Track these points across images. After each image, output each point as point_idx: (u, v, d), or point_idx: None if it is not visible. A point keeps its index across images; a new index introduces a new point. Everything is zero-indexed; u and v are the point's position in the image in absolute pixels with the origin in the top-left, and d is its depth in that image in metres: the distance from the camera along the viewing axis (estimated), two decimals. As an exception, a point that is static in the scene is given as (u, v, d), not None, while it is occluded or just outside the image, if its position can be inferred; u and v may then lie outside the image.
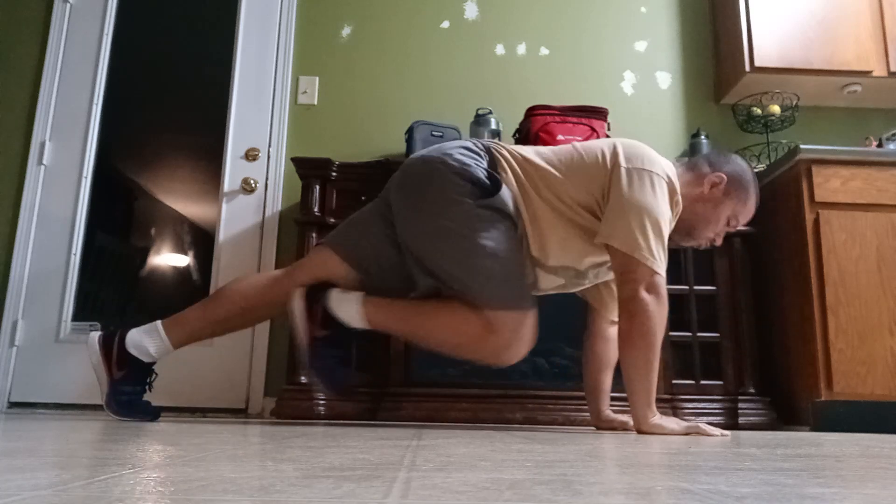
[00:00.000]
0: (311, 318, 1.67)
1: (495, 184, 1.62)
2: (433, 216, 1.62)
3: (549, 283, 1.76)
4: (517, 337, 1.56)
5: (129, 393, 1.73)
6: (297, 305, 1.69)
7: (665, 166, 1.67)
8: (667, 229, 1.62)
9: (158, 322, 1.76)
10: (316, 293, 1.69)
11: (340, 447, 0.93)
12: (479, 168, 1.63)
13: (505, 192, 1.62)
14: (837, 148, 2.38)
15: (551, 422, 2.26)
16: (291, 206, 2.87)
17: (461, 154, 1.66)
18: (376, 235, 1.74)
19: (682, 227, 1.75)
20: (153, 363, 1.77)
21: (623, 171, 1.62)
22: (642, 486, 0.55)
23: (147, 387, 1.79)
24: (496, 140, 1.76)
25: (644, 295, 1.56)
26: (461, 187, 1.60)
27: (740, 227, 2.46)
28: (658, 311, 1.56)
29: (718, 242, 1.80)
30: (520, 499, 0.47)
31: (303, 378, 2.32)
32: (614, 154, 1.65)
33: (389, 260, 1.73)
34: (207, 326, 1.77)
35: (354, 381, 1.77)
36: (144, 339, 1.73)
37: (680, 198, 1.69)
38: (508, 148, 1.73)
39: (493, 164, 1.67)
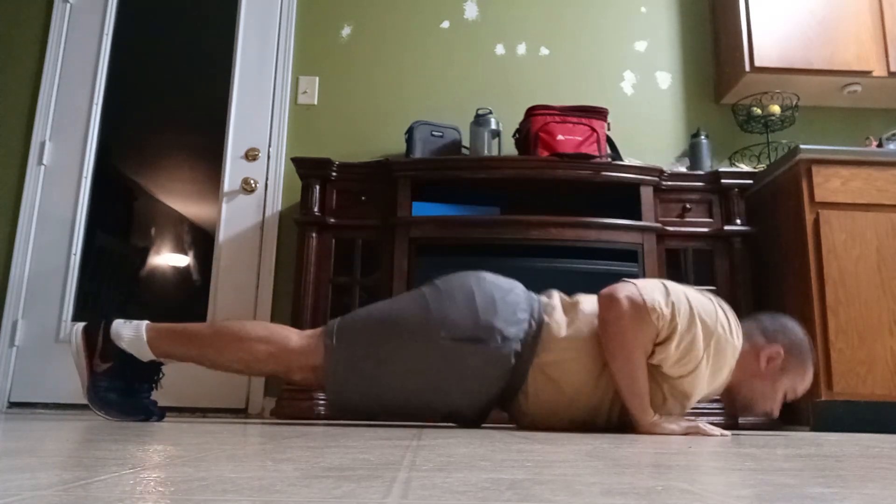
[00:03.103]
0: (91, 350, 1.66)
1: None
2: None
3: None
4: (312, 360, 1.64)
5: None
6: (77, 340, 1.68)
7: (735, 328, 1.59)
8: (679, 309, 1.53)
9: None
10: (96, 325, 1.69)
11: (340, 447, 0.93)
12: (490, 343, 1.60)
13: (493, 358, 1.59)
14: (837, 148, 2.38)
15: (551, 422, 2.25)
16: (291, 206, 2.87)
17: (500, 314, 1.62)
18: None
19: (741, 402, 1.69)
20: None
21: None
22: (642, 486, 0.55)
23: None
24: (565, 303, 1.70)
25: (620, 302, 1.52)
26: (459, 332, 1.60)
27: (741, 227, 2.47)
28: (632, 321, 1.51)
29: (776, 415, 1.71)
30: (520, 499, 0.47)
31: (303, 378, 2.32)
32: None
33: None
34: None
35: (146, 409, 1.71)
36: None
37: (729, 353, 1.59)
38: (566, 320, 1.65)
39: (536, 336, 1.62)
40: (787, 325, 1.68)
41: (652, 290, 1.55)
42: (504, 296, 1.65)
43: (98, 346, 1.68)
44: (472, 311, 1.62)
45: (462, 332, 1.60)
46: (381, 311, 1.69)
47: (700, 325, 1.53)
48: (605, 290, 1.58)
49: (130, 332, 1.68)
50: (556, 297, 1.73)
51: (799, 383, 1.65)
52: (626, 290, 1.55)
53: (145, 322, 1.72)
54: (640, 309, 1.51)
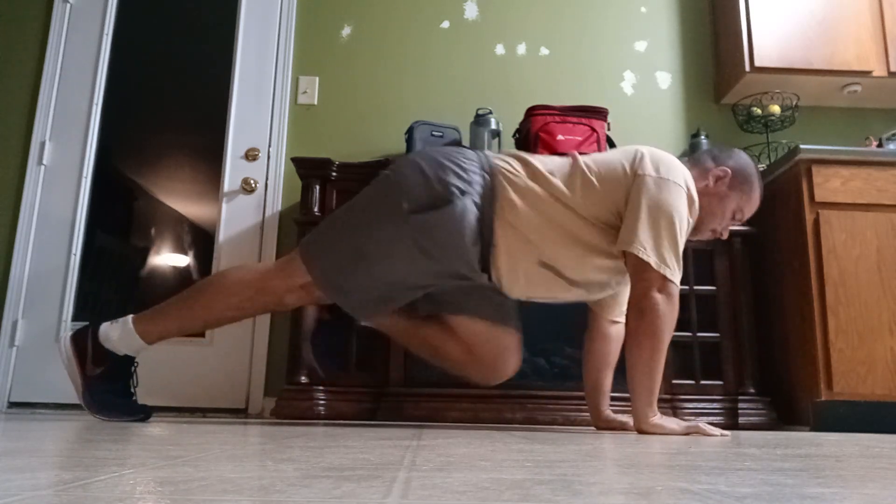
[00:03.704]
0: (82, 356, 1.67)
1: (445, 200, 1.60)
2: (365, 195, 1.69)
3: (568, 295, 1.75)
4: (297, 279, 1.66)
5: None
6: (66, 349, 1.68)
7: (685, 175, 1.67)
8: (682, 237, 1.62)
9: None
10: (83, 332, 1.70)
11: (340, 447, 0.93)
12: (444, 187, 1.61)
13: (459, 214, 1.59)
14: (837, 148, 2.37)
15: (551, 422, 2.26)
16: (291, 206, 2.87)
17: (449, 170, 1.63)
18: None
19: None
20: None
21: (645, 179, 1.62)
22: (642, 486, 0.55)
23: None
24: (512, 153, 1.74)
25: (655, 295, 1.57)
26: (404, 195, 1.61)
27: (741, 227, 2.47)
28: (668, 312, 1.58)
29: (724, 236, 1.82)
30: (520, 499, 0.47)
31: (303, 378, 2.32)
32: (636, 163, 1.65)
33: None
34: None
35: (141, 409, 1.72)
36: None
37: (697, 205, 1.68)
38: (518, 167, 1.68)
39: (492, 187, 1.64)
40: (734, 151, 1.82)
41: (661, 254, 1.57)
42: (448, 155, 1.68)
43: (88, 351, 1.68)
44: (423, 177, 1.63)
45: (422, 199, 1.60)
46: (343, 211, 1.71)
47: (688, 213, 1.63)
48: (639, 288, 1.59)
49: (118, 330, 1.69)
50: (504, 153, 1.77)
51: (745, 203, 1.77)
52: (656, 281, 1.57)
53: (130, 316, 1.72)
54: (673, 296, 1.59)
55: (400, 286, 1.67)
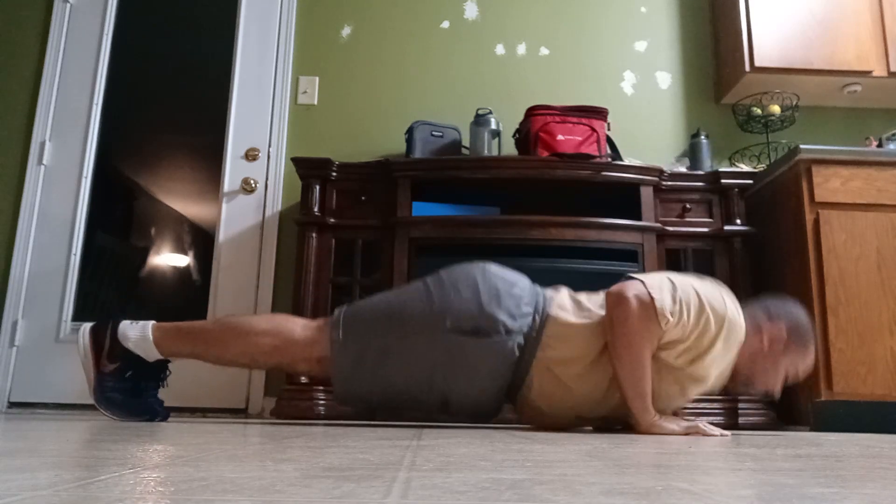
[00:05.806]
0: (98, 350, 1.68)
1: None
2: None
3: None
4: (316, 352, 1.65)
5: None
6: (84, 340, 1.69)
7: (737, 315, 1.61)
8: (689, 300, 1.55)
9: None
10: (104, 325, 1.70)
11: (340, 447, 0.93)
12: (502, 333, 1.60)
13: (497, 351, 1.59)
14: (837, 148, 2.37)
15: (551, 422, 2.25)
16: (291, 206, 2.87)
17: (503, 304, 1.62)
18: None
19: (742, 378, 1.71)
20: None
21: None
22: (642, 486, 0.55)
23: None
24: (571, 296, 1.72)
25: (629, 301, 1.53)
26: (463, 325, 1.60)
27: (741, 227, 2.47)
28: (640, 321, 1.52)
29: (777, 396, 1.74)
30: (520, 499, 0.47)
31: (303, 378, 2.32)
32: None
33: None
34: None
35: (152, 409, 1.73)
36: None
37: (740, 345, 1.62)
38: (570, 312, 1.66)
39: (539, 330, 1.62)
40: (790, 305, 1.70)
41: (660, 288, 1.55)
42: (509, 288, 1.65)
43: (105, 346, 1.70)
44: (476, 303, 1.61)
45: (465, 324, 1.60)
46: (387, 303, 1.69)
47: (710, 311, 1.55)
48: (613, 288, 1.59)
49: (137, 333, 1.70)
50: (564, 291, 1.74)
51: (800, 362, 1.67)
52: (634, 288, 1.55)
53: (151, 322, 1.73)
54: (649, 309, 1.52)
55: (400, 396, 1.67)
